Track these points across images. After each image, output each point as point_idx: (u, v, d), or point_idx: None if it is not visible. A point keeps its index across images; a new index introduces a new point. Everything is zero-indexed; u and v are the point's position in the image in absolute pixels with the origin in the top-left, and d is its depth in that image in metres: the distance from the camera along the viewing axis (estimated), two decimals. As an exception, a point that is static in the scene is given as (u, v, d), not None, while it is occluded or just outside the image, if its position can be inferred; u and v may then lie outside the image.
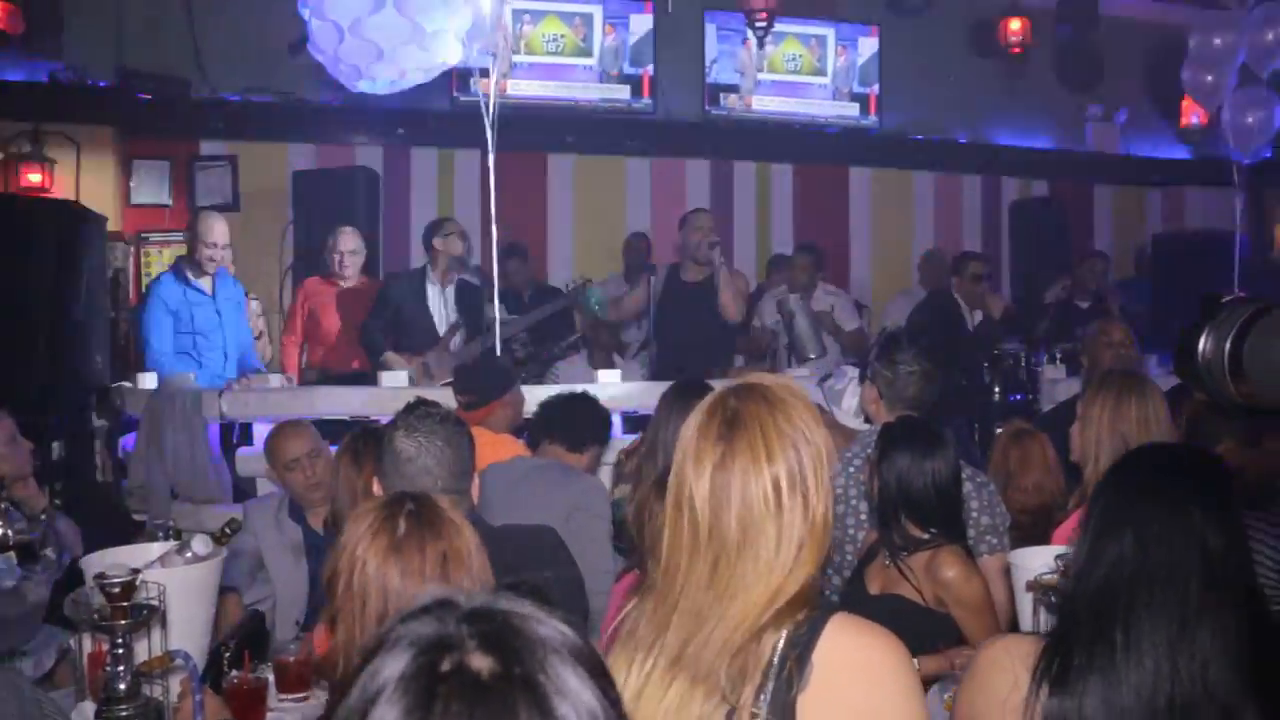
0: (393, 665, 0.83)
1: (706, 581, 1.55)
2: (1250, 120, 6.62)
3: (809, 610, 1.53)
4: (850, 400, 3.76)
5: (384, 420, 2.86)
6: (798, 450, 1.55)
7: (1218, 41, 6.55)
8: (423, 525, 1.87)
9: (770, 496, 1.53)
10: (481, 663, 0.82)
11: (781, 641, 1.51)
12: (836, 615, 1.54)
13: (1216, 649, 1.55)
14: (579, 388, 4.33)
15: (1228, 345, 2.49)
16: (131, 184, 7.55)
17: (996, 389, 5.67)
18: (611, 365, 5.76)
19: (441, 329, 5.77)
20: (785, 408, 1.58)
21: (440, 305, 5.83)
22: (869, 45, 8.87)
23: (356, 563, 1.86)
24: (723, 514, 1.54)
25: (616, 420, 4.75)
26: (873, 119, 8.88)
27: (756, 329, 6.75)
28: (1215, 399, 2.60)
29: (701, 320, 5.52)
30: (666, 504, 1.61)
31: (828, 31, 8.79)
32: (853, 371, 3.91)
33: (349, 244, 6.17)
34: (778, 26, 7.60)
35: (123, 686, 2.04)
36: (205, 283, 5.69)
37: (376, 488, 2.53)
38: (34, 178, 6.98)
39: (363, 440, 3.26)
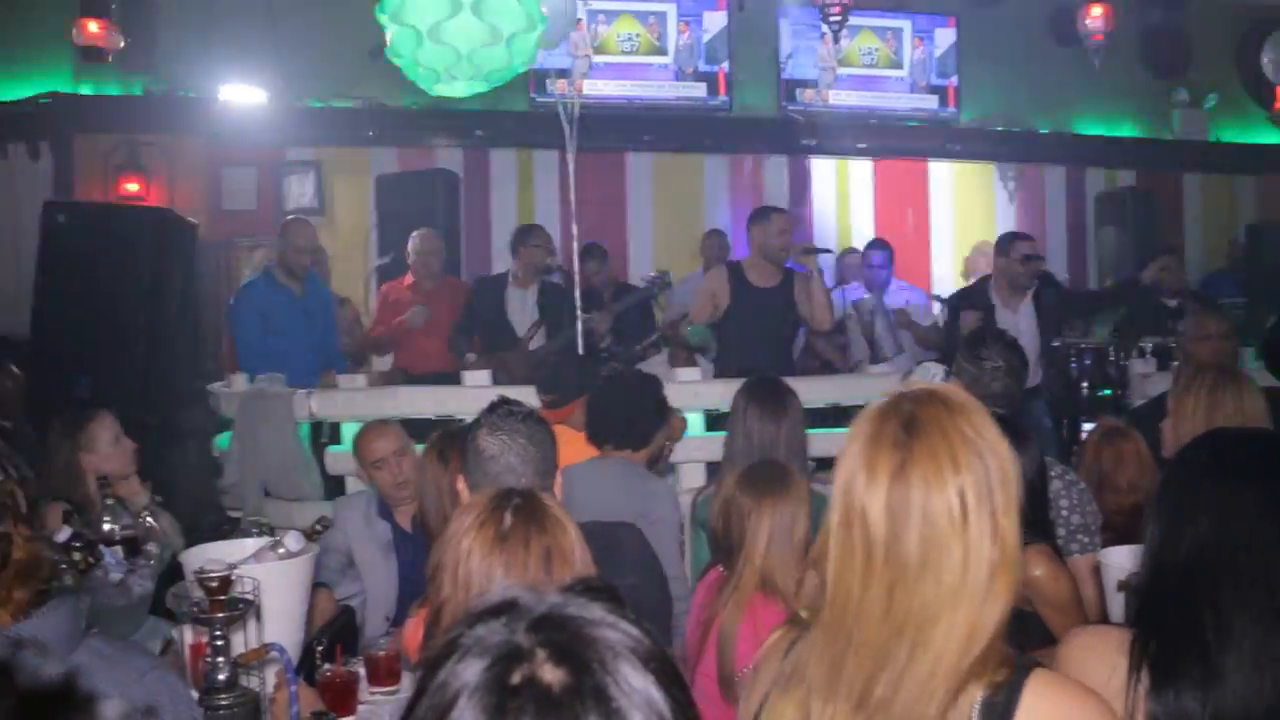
0: (463, 675, 0.83)
1: (883, 611, 1.38)
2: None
3: (1006, 669, 1.39)
4: None
5: (468, 419, 2.88)
6: (984, 461, 1.39)
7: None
8: (528, 521, 1.87)
9: (956, 512, 1.36)
10: (552, 675, 0.82)
11: (978, 705, 1.36)
12: (1036, 674, 1.40)
13: None
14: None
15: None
16: (222, 190, 7.73)
17: (1085, 384, 5.52)
18: (693, 364, 5.65)
19: (520, 331, 5.80)
20: (968, 413, 1.42)
21: (521, 307, 5.86)
22: (946, 36, 8.73)
23: (462, 555, 1.87)
24: (902, 532, 1.37)
25: (697, 419, 4.75)
26: (952, 111, 8.75)
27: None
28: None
29: (770, 325, 5.25)
30: (830, 521, 1.44)
31: (904, 24, 8.67)
32: (936, 367, 3.85)
33: (427, 245, 6.25)
34: (852, 20, 7.54)
35: (222, 677, 2.09)
36: (295, 286, 5.81)
37: (462, 485, 2.55)
38: (131, 187, 7.20)
39: (448, 439, 3.28)
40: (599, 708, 0.81)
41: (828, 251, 5.64)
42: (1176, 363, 4.57)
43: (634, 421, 3.68)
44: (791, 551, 2.68)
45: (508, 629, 0.85)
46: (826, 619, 1.44)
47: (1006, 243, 5.78)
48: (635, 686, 0.82)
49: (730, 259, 5.53)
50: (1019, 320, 5.59)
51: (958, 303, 6.02)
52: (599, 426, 3.70)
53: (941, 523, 1.36)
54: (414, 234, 6.30)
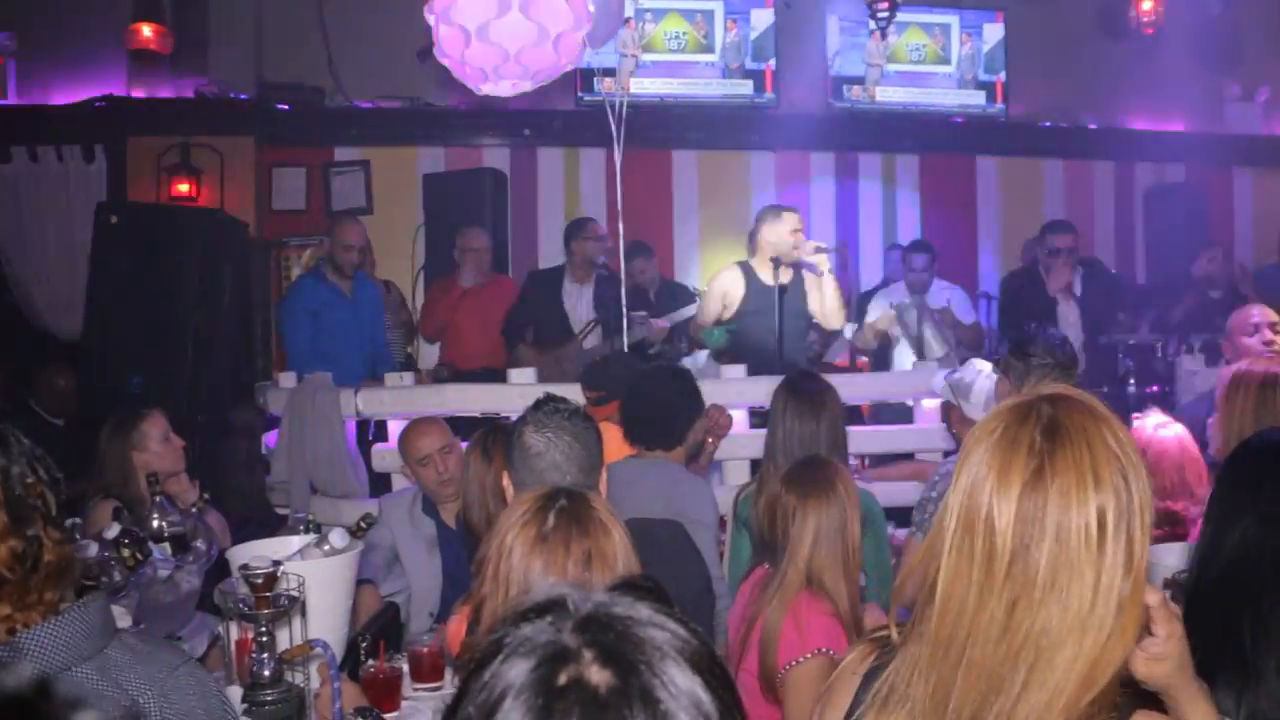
0: (509, 675, 0.83)
1: (1000, 630, 1.28)
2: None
3: (1112, 712, 1.30)
4: (980, 395, 3.66)
5: (513, 416, 2.90)
6: (1126, 480, 1.28)
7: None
8: (571, 522, 1.88)
9: (1093, 531, 1.26)
10: (599, 676, 0.81)
11: None
12: (1139, 717, 1.33)
13: None
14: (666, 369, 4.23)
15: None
16: (272, 190, 7.82)
17: (1131, 380, 5.43)
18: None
19: (577, 327, 5.83)
20: (1112, 425, 1.31)
21: (577, 302, 5.90)
22: (994, 31, 8.62)
23: (504, 550, 1.89)
24: (1032, 546, 1.27)
25: (741, 415, 4.73)
26: (999, 106, 8.64)
27: (867, 327, 6.61)
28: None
29: (784, 324, 5.12)
30: (944, 524, 1.34)
31: (951, 19, 8.57)
32: (981, 364, 3.81)
33: (475, 243, 6.28)
34: (900, 16, 7.46)
35: (267, 673, 2.10)
36: (344, 285, 5.86)
37: (506, 483, 2.56)
38: (183, 188, 7.29)
39: (492, 436, 3.32)
40: (646, 710, 0.80)
41: (836, 251, 5.62)
42: (1226, 359, 4.49)
43: (665, 420, 3.67)
44: (840, 551, 2.66)
45: (554, 628, 0.85)
46: (935, 632, 1.33)
47: (1043, 232, 5.76)
48: (682, 688, 0.82)
49: (745, 259, 5.47)
50: (1065, 309, 5.55)
51: (1014, 283, 5.97)
52: (632, 426, 3.69)
53: (1076, 542, 1.26)
54: (461, 231, 6.34)
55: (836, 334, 5.99)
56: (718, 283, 5.44)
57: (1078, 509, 1.27)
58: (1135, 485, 1.29)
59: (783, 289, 5.05)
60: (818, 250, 5.25)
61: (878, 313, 6.55)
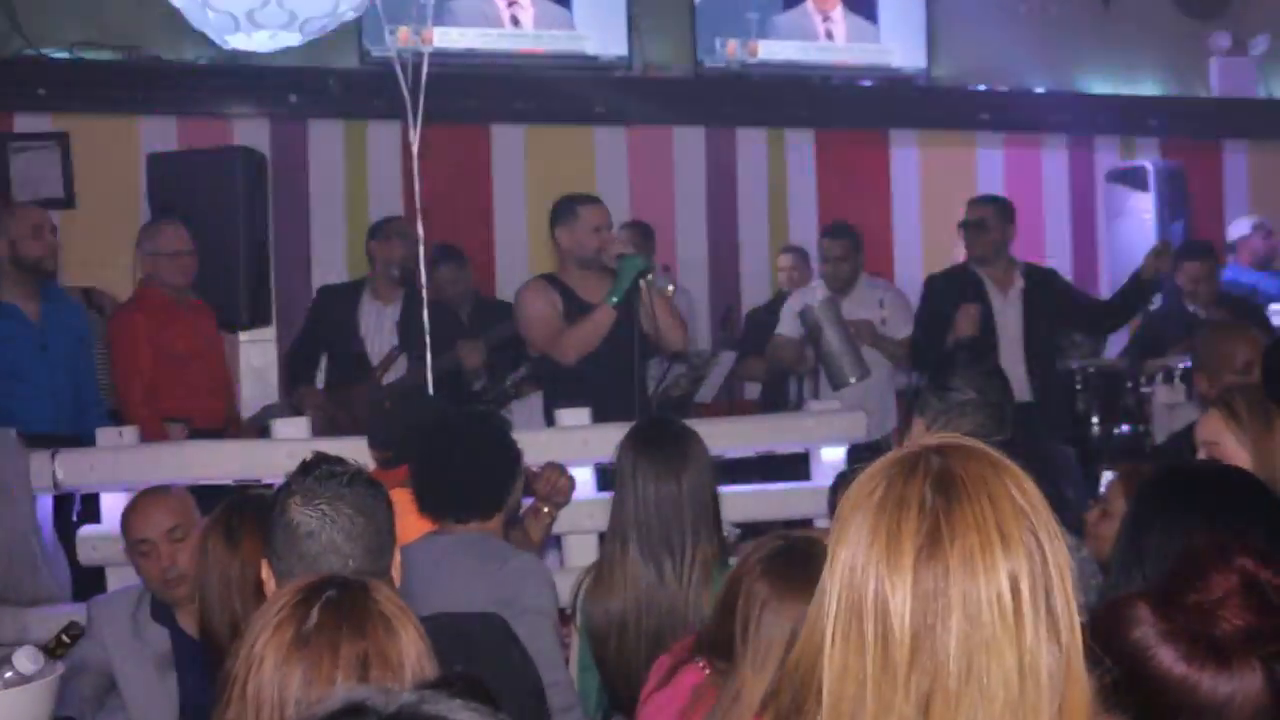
0: None
1: None
2: None
3: None
4: None
5: (276, 483, 2.89)
6: (1038, 539, 1.42)
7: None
8: (341, 618, 1.90)
9: (1008, 603, 1.39)
10: None
11: None
12: None
13: None
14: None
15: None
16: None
17: (1095, 419, 5.66)
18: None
19: (379, 358, 5.88)
20: (1015, 476, 1.45)
21: (378, 326, 5.97)
22: (914, -28, 8.89)
23: (253, 661, 1.89)
24: (938, 626, 1.38)
25: (586, 476, 4.76)
26: (919, 67, 8.88)
27: (779, 341, 6.78)
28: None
29: (614, 352, 5.22)
30: (826, 610, 1.45)
31: (859, -47, 8.82)
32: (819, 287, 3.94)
33: (176, 242, 6.11)
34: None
35: None
36: (27, 306, 5.70)
37: (266, 574, 2.57)
38: None
39: (239, 511, 3.29)
40: None
41: (646, 256, 5.79)
42: (1202, 395, 4.73)
43: (474, 483, 3.67)
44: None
45: None
46: None
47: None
48: None
49: (551, 272, 5.63)
50: (1007, 312, 5.87)
51: (941, 286, 6.25)
52: (429, 494, 3.69)
53: (988, 616, 1.37)
54: (156, 228, 6.21)
55: (709, 363, 6.12)
56: (529, 309, 5.50)
57: (986, 576, 1.38)
58: (1049, 545, 1.41)
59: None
60: (621, 256, 5.39)
61: (788, 323, 6.67)
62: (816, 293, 6.60)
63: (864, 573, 1.41)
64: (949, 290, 6.38)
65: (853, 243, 6.82)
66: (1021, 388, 5.37)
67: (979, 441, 1.51)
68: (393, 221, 6.42)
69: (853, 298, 6.66)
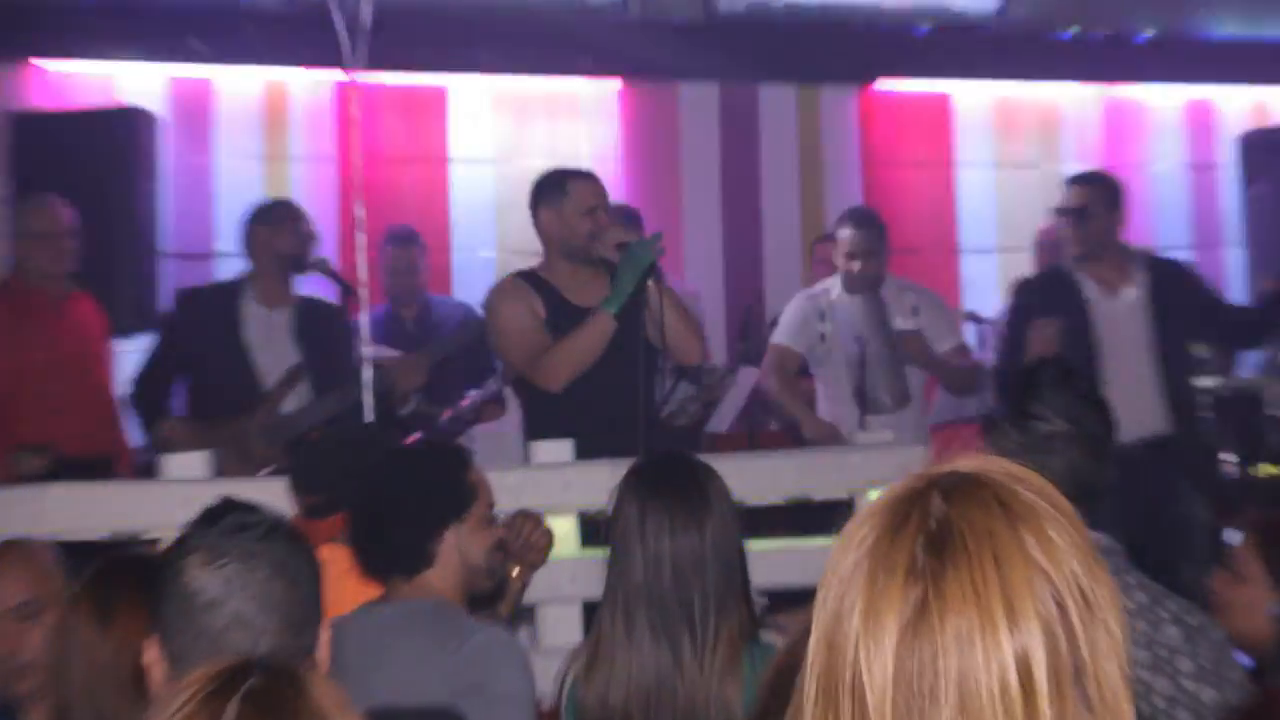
0: None
1: None
2: None
3: None
4: None
5: (168, 538, 2.77)
6: (1062, 605, 1.33)
7: None
8: (267, 715, 1.78)
9: (1013, 688, 1.30)
10: None
11: None
12: None
13: None
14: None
15: None
16: None
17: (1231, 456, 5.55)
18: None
19: (270, 378, 5.58)
20: (1036, 518, 1.37)
21: (267, 338, 5.68)
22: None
23: None
24: (927, 710, 1.32)
25: (568, 528, 4.47)
26: (990, 7, 8.55)
27: (780, 351, 6.39)
28: None
29: (613, 366, 4.94)
30: (806, 691, 1.42)
31: None
32: None
33: (50, 223, 5.86)
34: None
35: None
36: None
37: (153, 655, 2.42)
38: None
39: (113, 575, 3.10)
40: None
41: (657, 237, 5.34)
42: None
43: (421, 533, 3.45)
44: None
45: None
46: None
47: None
48: None
49: (531, 267, 5.32)
50: (1119, 320, 5.62)
51: (1025, 300, 5.94)
52: (365, 547, 3.50)
53: (986, 698, 1.31)
54: (28, 206, 5.95)
55: (723, 382, 5.88)
56: (503, 318, 5.16)
57: (985, 657, 1.32)
58: (1081, 614, 1.34)
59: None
60: (620, 246, 5.06)
61: (787, 332, 6.35)
62: (830, 295, 6.35)
63: (840, 643, 1.39)
64: (1047, 297, 6.00)
65: (879, 234, 6.38)
66: (1149, 417, 5.18)
67: (997, 465, 1.44)
68: (283, 206, 6.01)
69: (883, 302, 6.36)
